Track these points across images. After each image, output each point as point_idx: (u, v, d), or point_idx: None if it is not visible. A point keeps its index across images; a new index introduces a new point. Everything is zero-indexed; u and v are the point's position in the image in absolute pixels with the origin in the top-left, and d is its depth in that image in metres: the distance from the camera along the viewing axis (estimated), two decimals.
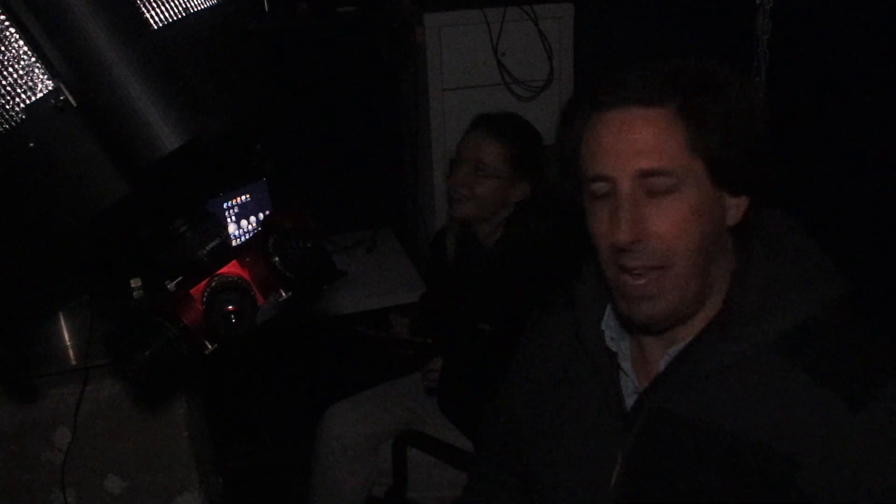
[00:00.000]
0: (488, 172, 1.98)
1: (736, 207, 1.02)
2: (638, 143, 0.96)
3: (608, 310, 1.12)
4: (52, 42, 0.62)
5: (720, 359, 0.97)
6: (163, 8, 0.68)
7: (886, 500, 0.89)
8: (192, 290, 0.77)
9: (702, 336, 1.01)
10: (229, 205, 2.31)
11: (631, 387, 1.07)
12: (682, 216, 0.96)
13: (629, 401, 1.06)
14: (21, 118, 0.64)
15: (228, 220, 2.30)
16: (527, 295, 1.90)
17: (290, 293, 0.81)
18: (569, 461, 1.12)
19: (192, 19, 0.71)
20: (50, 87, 0.64)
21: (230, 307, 0.76)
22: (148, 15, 0.67)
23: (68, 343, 1.68)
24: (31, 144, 0.65)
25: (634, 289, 0.99)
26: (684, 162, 0.96)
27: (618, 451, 1.05)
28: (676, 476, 0.99)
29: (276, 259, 0.79)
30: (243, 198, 2.35)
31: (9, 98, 0.64)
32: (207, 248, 0.79)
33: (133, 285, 1.65)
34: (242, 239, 2.31)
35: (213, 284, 0.77)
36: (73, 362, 1.63)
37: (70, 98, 0.64)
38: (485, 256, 2.06)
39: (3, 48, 0.63)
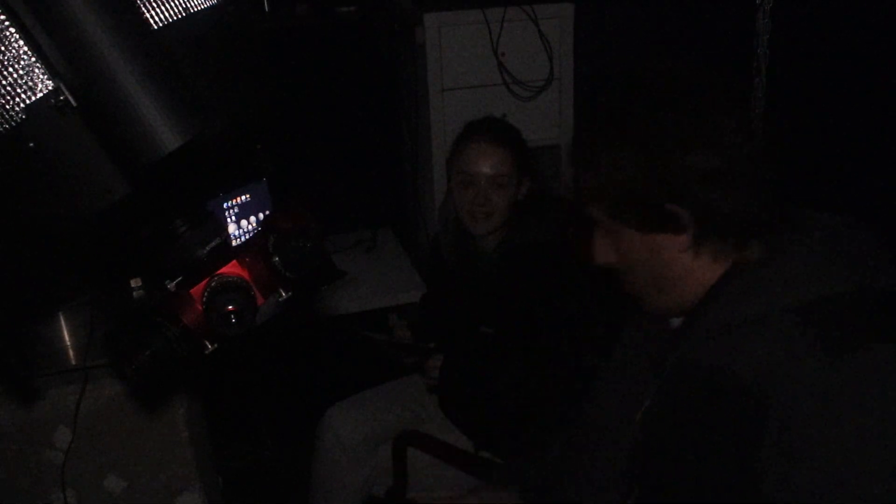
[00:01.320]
0: (504, 182, 1.96)
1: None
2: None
3: None
4: (52, 42, 0.62)
5: (732, 314, 1.05)
6: (163, 8, 0.68)
7: (844, 449, 0.95)
8: (192, 290, 0.77)
9: (713, 298, 1.09)
10: (229, 205, 2.31)
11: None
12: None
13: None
14: (21, 118, 0.64)
15: (228, 220, 2.30)
16: (529, 297, 1.90)
17: (290, 293, 0.81)
18: (611, 400, 1.28)
19: (192, 19, 0.71)
20: (50, 87, 0.64)
21: (230, 307, 0.75)
22: (148, 15, 0.67)
23: (68, 343, 1.68)
24: (31, 144, 0.65)
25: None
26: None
27: (647, 396, 1.17)
28: (680, 413, 1.11)
29: (276, 259, 0.79)
30: (243, 198, 2.35)
31: (9, 98, 0.64)
32: (207, 248, 0.79)
33: (133, 285, 1.65)
34: (242, 239, 2.31)
35: (213, 284, 0.77)
36: (73, 362, 1.63)
37: (70, 98, 0.64)
38: (485, 259, 2.06)
39: (3, 48, 0.63)
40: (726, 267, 1.09)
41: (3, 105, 0.64)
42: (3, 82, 0.63)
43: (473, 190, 1.97)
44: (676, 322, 1.19)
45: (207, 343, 0.78)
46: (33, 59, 0.64)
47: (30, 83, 0.64)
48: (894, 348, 0.98)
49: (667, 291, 1.12)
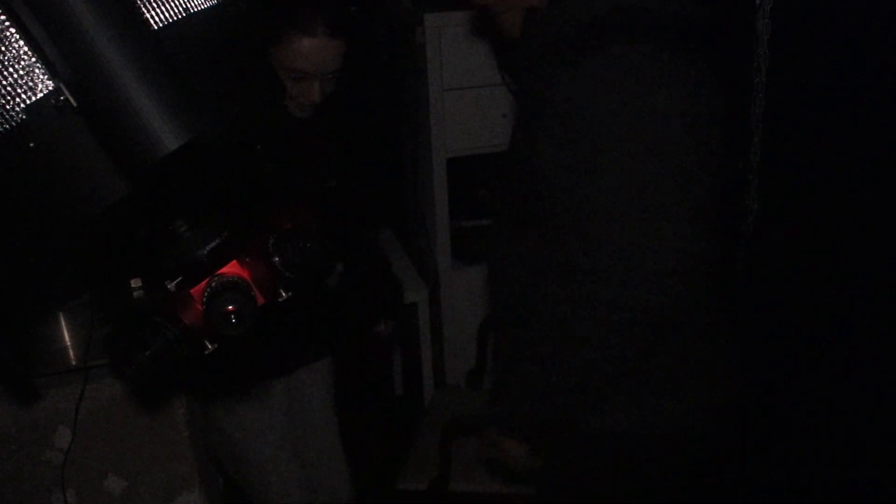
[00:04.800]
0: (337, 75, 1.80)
1: None
2: None
3: None
4: (52, 42, 0.62)
5: (537, 40, 1.31)
6: (163, 8, 0.68)
7: (578, 138, 1.21)
8: (192, 290, 0.77)
9: (526, 24, 1.33)
10: None
11: None
12: None
13: None
14: (21, 118, 0.64)
15: None
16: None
17: (290, 293, 0.81)
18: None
19: (192, 19, 0.71)
20: (50, 88, 0.64)
21: (230, 307, 0.76)
22: (148, 15, 0.67)
23: (68, 343, 1.68)
24: (31, 144, 0.65)
25: None
26: None
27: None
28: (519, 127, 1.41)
29: (276, 259, 0.79)
30: None
31: (9, 98, 0.64)
32: (207, 248, 0.79)
33: (133, 285, 1.65)
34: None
35: (213, 284, 0.77)
36: (73, 362, 1.63)
37: (70, 98, 0.64)
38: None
39: (3, 48, 0.63)
40: None
41: (4, 105, 0.64)
42: (4, 82, 0.63)
43: (305, 84, 1.75)
44: None
45: (207, 343, 0.78)
46: (33, 59, 0.64)
47: (30, 83, 0.64)
48: (620, 47, 1.17)
49: (518, 17, 1.33)
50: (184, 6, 0.70)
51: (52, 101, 0.64)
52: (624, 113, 1.17)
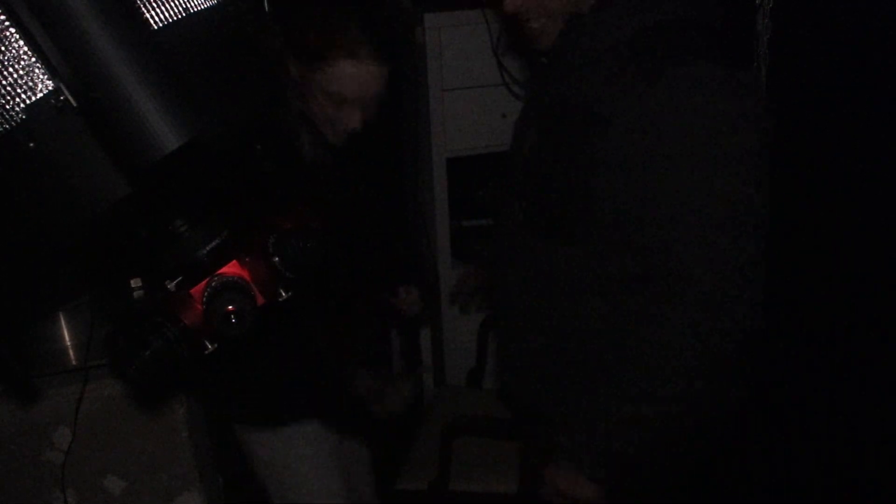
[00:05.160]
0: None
1: None
2: None
3: None
4: (52, 42, 0.62)
5: (577, 54, 1.29)
6: (163, 8, 0.68)
7: (663, 157, 1.18)
8: (192, 290, 0.77)
9: (563, 41, 1.32)
10: None
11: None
12: None
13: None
14: (21, 118, 0.64)
15: None
16: None
17: (290, 293, 0.81)
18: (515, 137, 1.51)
19: (192, 19, 0.71)
20: (50, 87, 0.64)
21: (230, 307, 0.76)
22: (148, 15, 0.67)
23: (68, 343, 1.68)
24: (31, 145, 0.65)
25: None
26: None
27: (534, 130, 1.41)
28: (550, 141, 1.34)
29: (276, 259, 0.79)
30: None
31: (9, 98, 0.64)
32: (207, 248, 0.79)
33: (133, 285, 1.65)
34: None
35: (213, 284, 0.77)
36: (73, 362, 1.63)
37: (70, 98, 0.64)
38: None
39: (3, 48, 0.63)
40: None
41: (3, 105, 0.64)
42: (3, 82, 0.63)
43: (347, 110, 1.65)
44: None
45: (207, 343, 0.78)
46: (33, 59, 0.64)
47: (30, 83, 0.64)
48: (702, 65, 1.18)
49: (554, 26, 1.32)
50: (184, 6, 0.70)
51: (52, 101, 0.64)
52: (710, 129, 1.16)
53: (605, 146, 1.22)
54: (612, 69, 1.23)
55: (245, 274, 0.79)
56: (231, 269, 0.79)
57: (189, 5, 0.71)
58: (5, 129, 0.64)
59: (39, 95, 0.64)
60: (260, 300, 0.79)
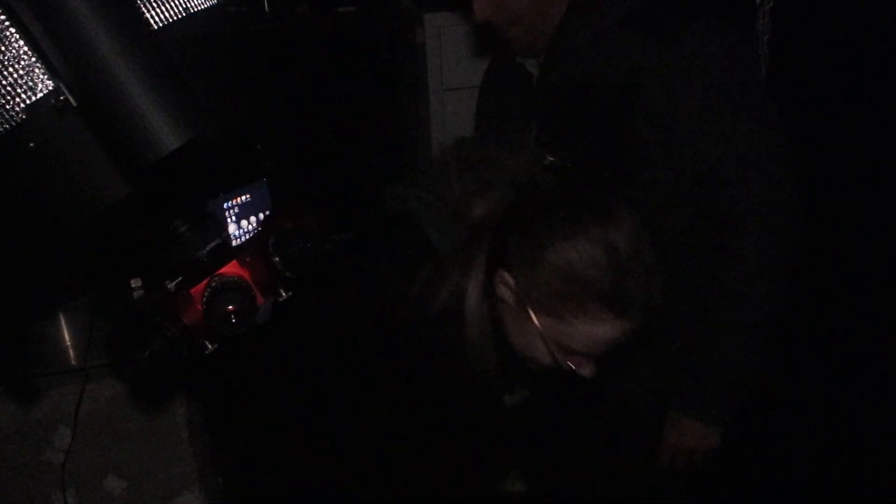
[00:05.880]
0: None
1: None
2: None
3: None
4: (52, 42, 0.62)
5: (577, 39, 1.37)
6: (163, 8, 0.68)
7: (700, 114, 1.29)
8: (192, 290, 0.77)
9: (560, 31, 1.39)
10: (229, 205, 2.31)
11: (535, 81, 1.50)
12: None
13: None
14: (21, 118, 0.64)
15: (228, 220, 2.30)
16: None
17: (290, 293, 0.81)
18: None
19: (192, 19, 0.71)
20: (50, 87, 0.64)
21: (230, 307, 0.76)
22: (148, 15, 0.67)
23: (68, 343, 1.68)
24: (31, 144, 0.65)
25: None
26: None
27: (533, 123, 1.46)
28: (567, 124, 1.41)
29: (276, 259, 0.79)
30: (243, 198, 2.35)
31: (9, 98, 0.64)
32: (207, 248, 0.79)
33: (133, 285, 1.65)
34: (242, 239, 2.30)
35: (213, 284, 0.77)
36: (73, 362, 1.63)
37: (70, 98, 0.64)
38: None
39: (3, 48, 0.63)
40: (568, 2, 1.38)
41: (3, 105, 0.64)
42: (3, 82, 0.63)
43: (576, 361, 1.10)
44: (533, 64, 1.48)
45: (207, 343, 0.78)
46: (33, 59, 0.64)
47: (30, 83, 0.64)
48: (708, 19, 1.29)
49: (539, 29, 1.40)
50: (184, 6, 0.70)
51: (52, 101, 0.64)
52: (741, 69, 1.30)
53: (644, 106, 1.30)
54: (624, 42, 1.32)
55: (245, 274, 0.79)
56: (231, 269, 0.79)
57: (189, 5, 0.71)
58: (5, 129, 0.64)
59: (39, 95, 0.64)
60: (260, 300, 0.79)
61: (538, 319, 0.99)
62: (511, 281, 1.00)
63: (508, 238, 1.00)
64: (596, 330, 0.98)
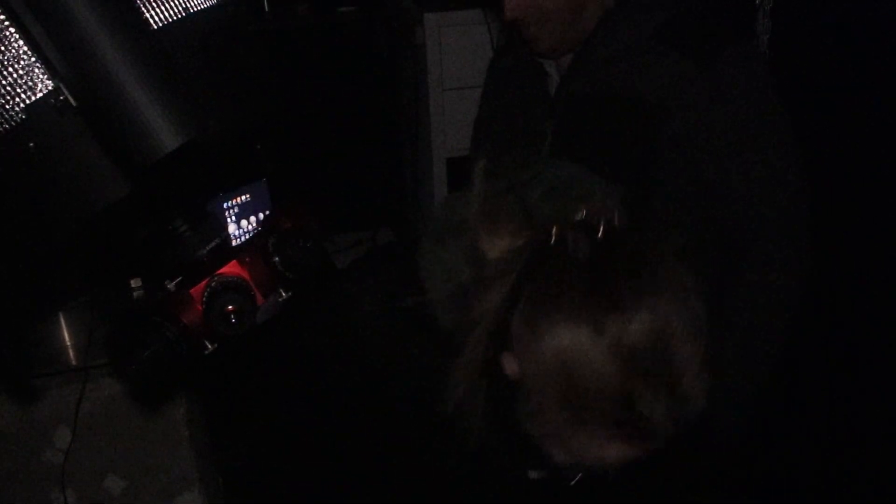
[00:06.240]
0: None
1: None
2: None
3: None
4: (52, 42, 0.62)
5: (610, 49, 1.32)
6: (163, 8, 0.68)
7: (728, 144, 1.27)
8: (191, 290, 0.77)
9: (592, 37, 1.34)
10: (229, 205, 2.31)
11: (554, 84, 1.46)
12: None
13: (552, 91, 1.45)
14: (21, 118, 0.64)
15: (228, 220, 2.30)
16: None
17: (290, 293, 0.81)
18: (511, 140, 1.50)
19: (192, 19, 0.71)
20: (50, 87, 0.64)
21: (230, 307, 0.75)
22: (148, 15, 0.67)
23: (68, 343, 1.68)
24: (31, 144, 0.65)
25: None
26: None
27: (548, 129, 1.41)
28: (586, 135, 1.36)
29: (276, 259, 0.79)
30: (243, 198, 2.35)
31: (9, 98, 0.64)
32: (207, 248, 0.79)
33: (133, 285, 1.65)
34: (242, 239, 2.30)
35: (212, 284, 0.77)
36: (73, 362, 1.63)
37: (70, 98, 0.64)
38: None
39: (3, 48, 0.63)
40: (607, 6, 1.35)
41: (3, 105, 0.64)
42: (3, 82, 0.63)
43: None
44: (551, 66, 1.45)
45: (207, 343, 0.78)
46: (33, 59, 0.64)
47: (30, 83, 0.64)
48: (744, 46, 1.29)
49: (569, 32, 1.36)
50: (184, 6, 0.70)
51: (52, 100, 0.64)
52: (765, 106, 1.30)
53: (670, 130, 1.28)
54: (658, 57, 1.29)
55: (245, 274, 0.79)
56: (231, 269, 0.79)
57: (189, 5, 0.71)
58: (5, 129, 0.64)
59: (39, 95, 0.64)
60: (260, 300, 0.79)
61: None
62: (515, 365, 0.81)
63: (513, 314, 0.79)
64: (598, 452, 0.80)
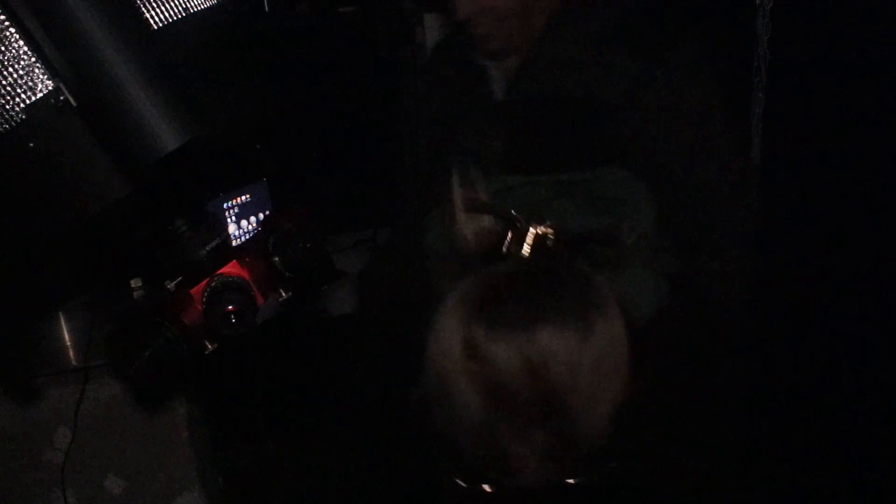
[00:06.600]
0: None
1: None
2: None
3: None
4: (52, 42, 0.62)
5: (561, 50, 1.32)
6: (163, 8, 0.68)
7: (678, 140, 1.28)
8: (192, 290, 0.77)
9: (542, 39, 1.34)
10: (229, 205, 2.31)
11: (501, 86, 1.42)
12: None
13: (499, 94, 1.42)
14: (21, 118, 0.64)
15: (228, 220, 2.30)
16: None
17: (290, 293, 0.81)
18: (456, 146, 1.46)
19: (192, 19, 0.71)
20: (50, 87, 0.64)
21: (230, 307, 0.76)
22: (148, 15, 0.67)
23: (68, 343, 1.68)
24: (31, 144, 0.65)
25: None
26: None
27: (497, 132, 1.37)
28: (541, 137, 1.34)
29: (276, 259, 0.79)
30: (243, 198, 2.35)
31: (9, 98, 0.64)
32: (207, 248, 0.79)
33: (133, 285, 1.65)
34: (242, 239, 2.30)
35: (213, 284, 0.77)
36: (73, 362, 1.63)
37: (70, 98, 0.64)
38: None
39: (3, 48, 0.63)
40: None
41: (3, 105, 0.64)
42: (3, 82, 0.63)
43: None
44: (496, 68, 1.41)
45: (207, 343, 0.78)
46: (33, 59, 0.64)
47: (30, 83, 0.64)
48: (692, 43, 1.29)
49: (522, 32, 1.34)
50: (184, 6, 0.70)
51: (52, 100, 0.64)
52: (720, 99, 1.31)
53: (627, 130, 1.29)
54: (607, 58, 1.30)
55: (245, 274, 0.79)
56: (231, 269, 0.79)
57: (189, 5, 0.71)
58: (5, 128, 0.64)
59: (39, 95, 0.64)
60: (260, 300, 0.79)
61: None
62: None
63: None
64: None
